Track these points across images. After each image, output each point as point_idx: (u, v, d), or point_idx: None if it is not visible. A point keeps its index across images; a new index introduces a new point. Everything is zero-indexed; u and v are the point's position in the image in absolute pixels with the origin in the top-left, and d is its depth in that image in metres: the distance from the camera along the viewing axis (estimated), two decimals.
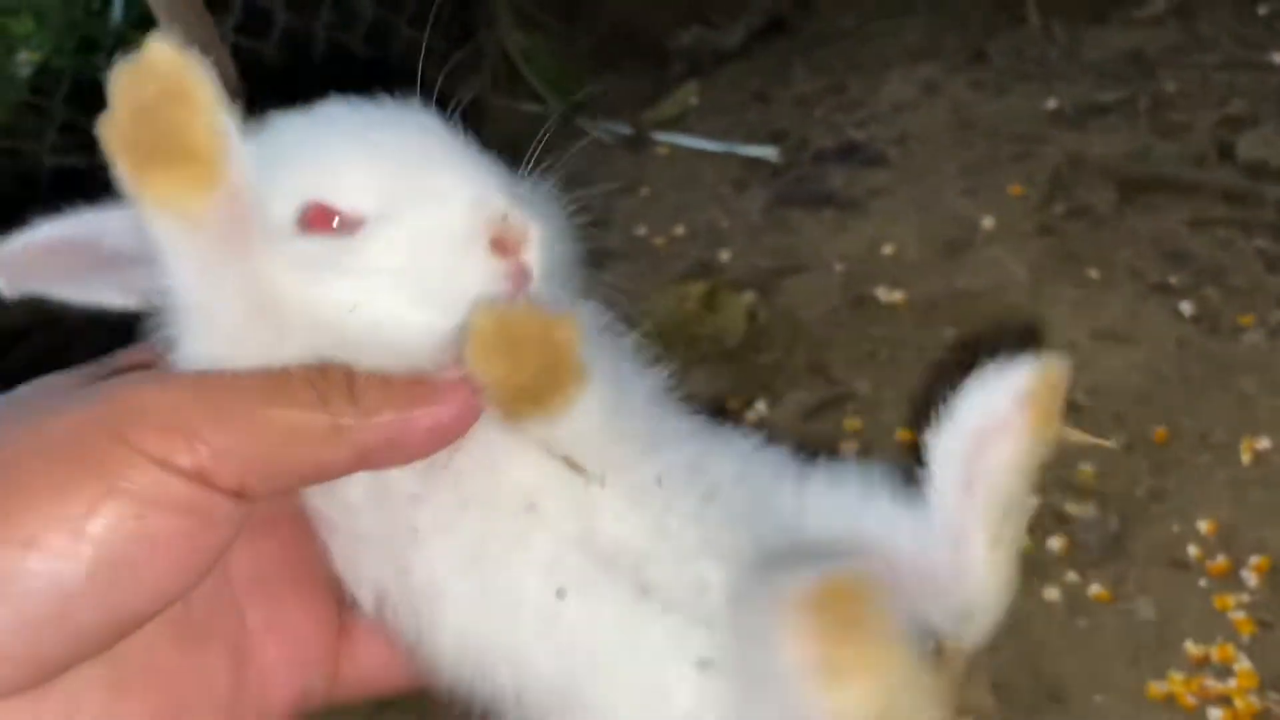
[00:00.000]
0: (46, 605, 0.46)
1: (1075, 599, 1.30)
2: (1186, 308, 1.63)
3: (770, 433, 1.67)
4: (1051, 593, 1.31)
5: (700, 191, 2.14)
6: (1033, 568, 1.34)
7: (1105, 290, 1.69)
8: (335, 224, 0.53)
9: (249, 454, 0.49)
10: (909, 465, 1.34)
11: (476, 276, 0.53)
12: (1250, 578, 1.27)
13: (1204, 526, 1.33)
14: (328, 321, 0.52)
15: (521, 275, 0.54)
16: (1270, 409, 1.46)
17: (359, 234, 0.53)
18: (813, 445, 1.66)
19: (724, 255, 1.92)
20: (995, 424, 0.61)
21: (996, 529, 0.61)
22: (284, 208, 0.53)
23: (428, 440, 0.53)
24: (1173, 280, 1.69)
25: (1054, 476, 1.44)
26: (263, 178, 0.53)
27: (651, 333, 1.96)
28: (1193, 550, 1.31)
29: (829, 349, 1.69)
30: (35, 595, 0.46)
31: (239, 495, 0.49)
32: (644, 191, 2.19)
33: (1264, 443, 1.41)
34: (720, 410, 1.63)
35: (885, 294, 1.76)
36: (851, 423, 1.56)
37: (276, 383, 0.50)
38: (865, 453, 1.52)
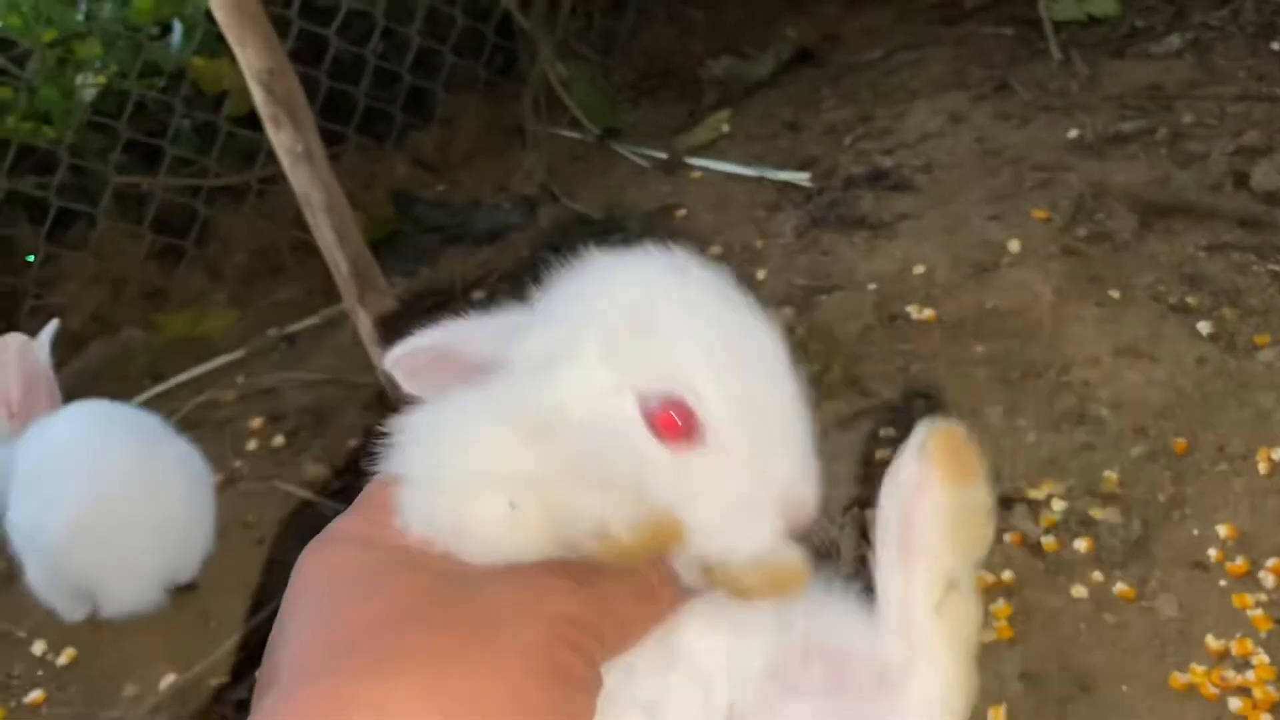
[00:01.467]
0: None
1: (1102, 597, 1.37)
2: (1204, 327, 1.71)
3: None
4: (1079, 590, 1.38)
5: (735, 213, 2.24)
6: (1060, 567, 1.42)
7: (1126, 309, 1.78)
8: (684, 428, 0.58)
9: (622, 645, 0.61)
10: None
11: (764, 538, 0.61)
12: (1268, 578, 1.34)
13: (1223, 531, 1.41)
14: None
15: (797, 531, 0.62)
16: None
17: (698, 450, 0.58)
18: (848, 453, 1.75)
19: (760, 274, 2.01)
20: (910, 492, 0.64)
21: (939, 597, 0.63)
22: (628, 392, 0.58)
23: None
24: (1191, 301, 1.77)
25: (1080, 484, 1.52)
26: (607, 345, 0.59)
27: None
28: (1212, 553, 1.39)
29: (863, 363, 1.78)
30: None
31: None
32: (680, 213, 2.28)
33: (1279, 453, 1.49)
34: None
35: (916, 312, 1.84)
36: (885, 431, 1.65)
37: (638, 586, 0.61)
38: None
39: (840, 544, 1.51)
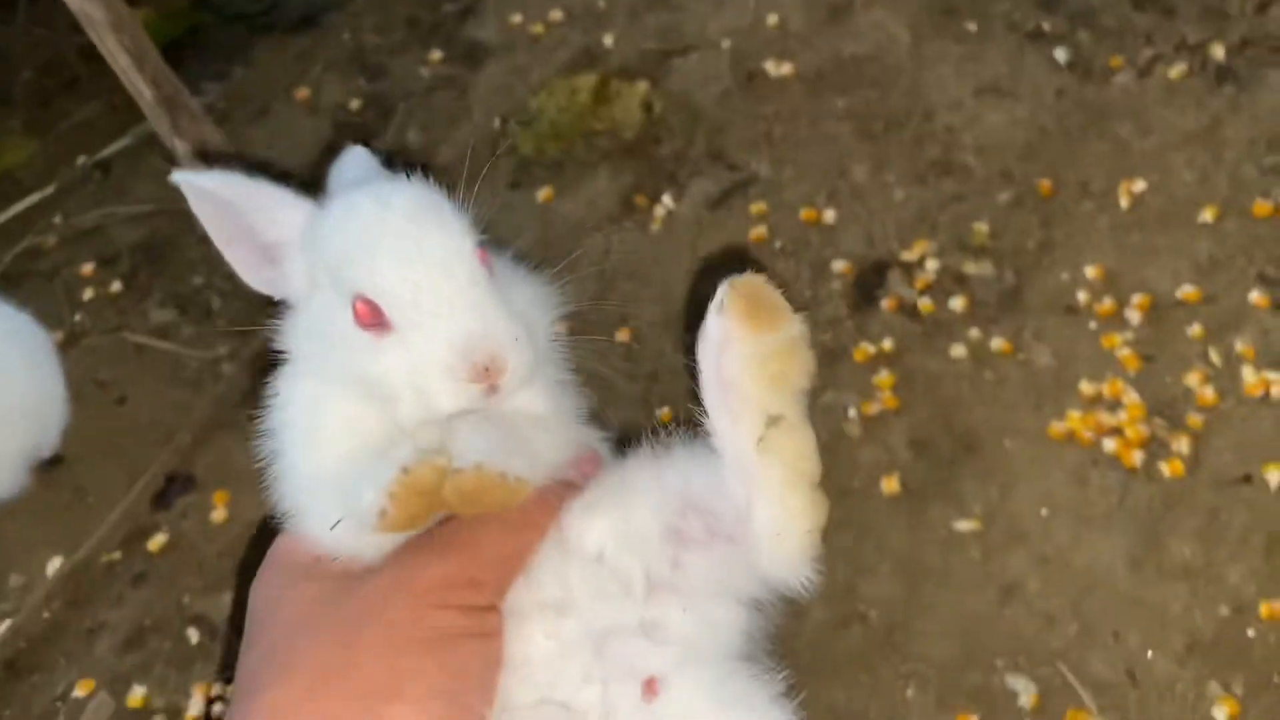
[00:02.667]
0: None
1: (980, 354, 1.41)
2: (1061, 54, 1.68)
3: (678, 227, 1.69)
4: (958, 350, 1.41)
5: None
6: (939, 328, 1.45)
7: (984, 44, 1.73)
8: (373, 320, 0.71)
9: (511, 576, 0.68)
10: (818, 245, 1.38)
11: (455, 397, 0.70)
12: (1134, 315, 1.39)
13: (1091, 272, 1.44)
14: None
15: (493, 394, 0.70)
16: (1143, 151, 1.55)
17: (385, 339, 0.71)
18: (721, 234, 1.71)
19: (608, 40, 1.88)
20: (717, 348, 0.70)
21: (761, 433, 0.70)
22: (344, 293, 0.72)
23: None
24: (1046, 27, 1.73)
25: (950, 239, 1.52)
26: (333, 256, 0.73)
27: (547, 134, 1.95)
28: (1082, 296, 1.42)
29: (726, 132, 1.71)
30: None
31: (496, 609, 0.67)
32: None
33: (1140, 185, 1.51)
34: (630, 208, 1.65)
35: (774, 68, 1.76)
36: (757, 207, 1.61)
37: (506, 521, 0.68)
38: (773, 234, 1.58)
39: None
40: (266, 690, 0.61)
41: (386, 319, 0.71)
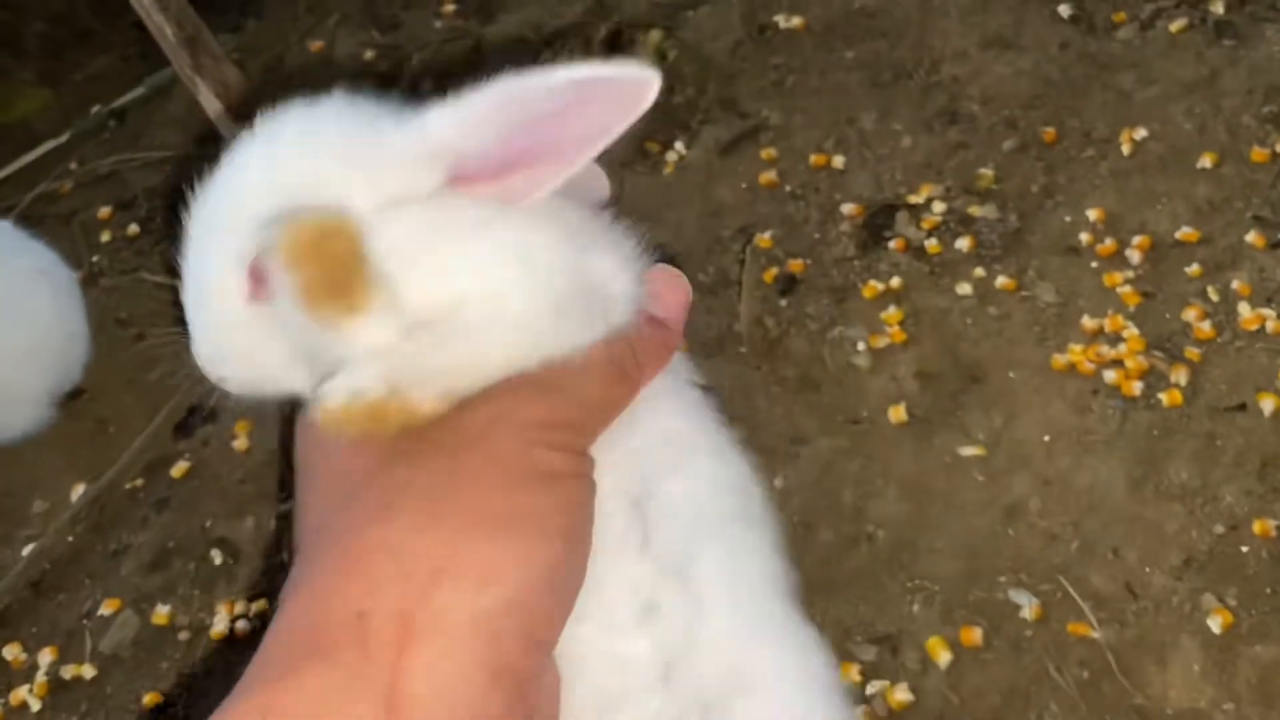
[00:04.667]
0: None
1: (985, 291, 1.45)
2: (1065, 9, 1.72)
3: (690, 171, 1.73)
4: (964, 288, 1.45)
5: None
6: (945, 267, 1.49)
7: None
8: (258, 285, 0.61)
9: (604, 425, 0.63)
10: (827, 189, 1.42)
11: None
12: (1134, 255, 1.43)
13: (1092, 215, 1.48)
14: None
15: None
16: (1144, 101, 1.59)
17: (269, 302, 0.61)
18: (733, 179, 1.75)
19: None
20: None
21: None
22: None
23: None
24: None
25: (957, 183, 1.56)
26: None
27: None
28: (1084, 237, 1.46)
29: (737, 81, 1.74)
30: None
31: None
32: None
33: (1141, 133, 1.55)
34: (642, 153, 1.69)
35: (785, 20, 1.80)
36: (767, 153, 1.64)
37: (607, 372, 0.63)
38: (783, 179, 1.61)
39: (740, 272, 1.54)
40: (371, 525, 0.56)
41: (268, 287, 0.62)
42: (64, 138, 2.09)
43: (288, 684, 0.52)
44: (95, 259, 1.84)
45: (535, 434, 0.59)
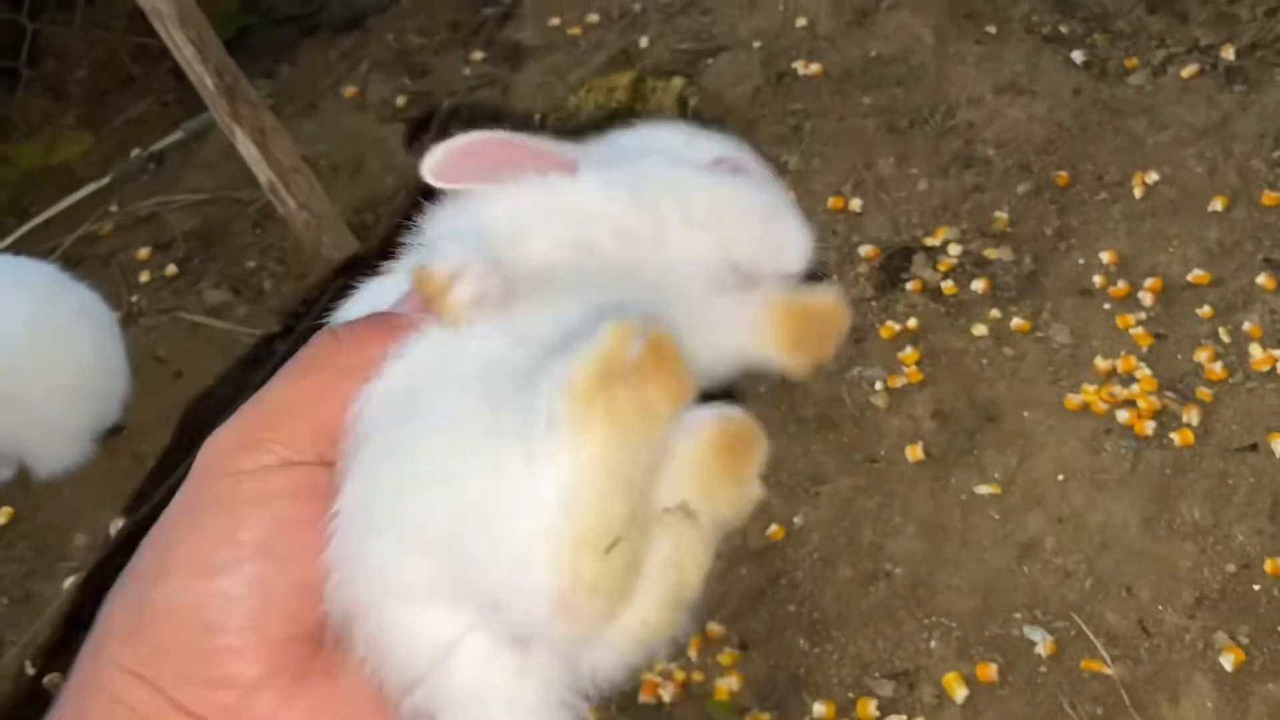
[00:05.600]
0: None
1: (1000, 332, 1.48)
2: (1078, 56, 1.76)
3: None
4: (979, 329, 1.49)
5: None
6: (961, 309, 1.52)
7: (1004, 44, 1.81)
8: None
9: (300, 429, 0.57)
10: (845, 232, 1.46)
11: None
12: (1146, 298, 1.46)
13: (1105, 257, 1.51)
14: None
15: None
16: (1156, 145, 1.63)
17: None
18: None
19: (643, 41, 1.97)
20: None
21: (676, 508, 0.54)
22: None
23: None
24: (1064, 30, 1.81)
25: (973, 226, 1.60)
26: None
27: (586, 129, 2.05)
28: (1097, 279, 1.49)
29: (757, 127, 1.79)
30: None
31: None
32: None
33: (1152, 176, 1.58)
34: None
35: (803, 67, 1.85)
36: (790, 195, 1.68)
37: (291, 371, 0.57)
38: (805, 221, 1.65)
39: None
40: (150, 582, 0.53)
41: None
42: (105, 181, 2.16)
43: None
44: (134, 299, 1.90)
45: (225, 465, 0.55)
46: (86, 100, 2.36)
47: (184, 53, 1.70)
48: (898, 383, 1.46)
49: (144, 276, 1.93)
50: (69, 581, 1.53)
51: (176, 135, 2.19)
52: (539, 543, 0.47)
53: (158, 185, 2.12)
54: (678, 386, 0.51)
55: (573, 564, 0.47)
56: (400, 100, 2.07)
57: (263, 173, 1.82)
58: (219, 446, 0.55)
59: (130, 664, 0.51)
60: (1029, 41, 1.81)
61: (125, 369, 1.71)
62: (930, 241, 1.59)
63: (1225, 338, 1.41)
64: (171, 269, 1.93)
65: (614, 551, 0.48)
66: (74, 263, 1.94)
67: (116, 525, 1.58)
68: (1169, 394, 1.37)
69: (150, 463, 1.65)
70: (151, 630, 0.51)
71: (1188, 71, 1.69)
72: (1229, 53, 1.70)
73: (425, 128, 1.97)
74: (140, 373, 1.75)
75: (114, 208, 2.09)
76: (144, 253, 1.97)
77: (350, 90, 2.12)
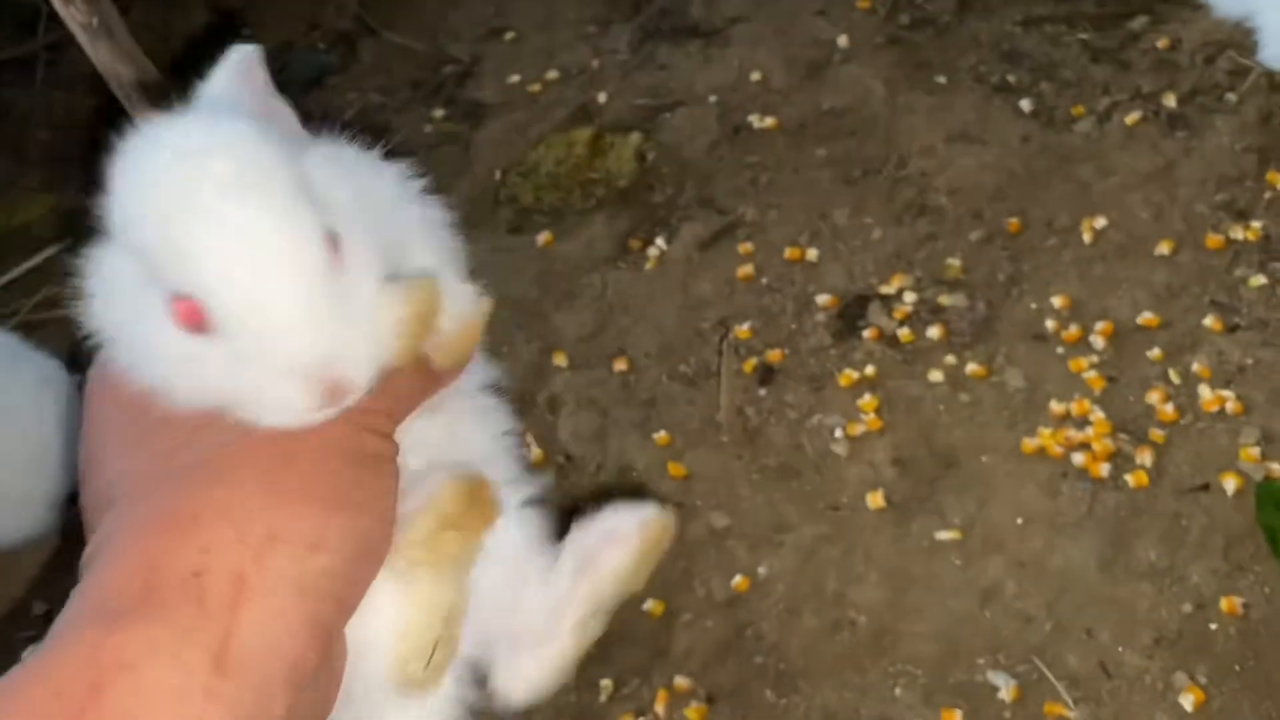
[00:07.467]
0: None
1: (956, 378, 1.50)
2: (1026, 105, 1.80)
3: (670, 267, 1.79)
4: (935, 375, 1.51)
5: (565, 32, 2.19)
6: (917, 355, 1.54)
7: (954, 95, 1.85)
8: (194, 322, 0.62)
9: (409, 413, 0.71)
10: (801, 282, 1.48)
11: (289, 416, 0.63)
12: (1098, 341, 1.49)
13: (1057, 302, 1.54)
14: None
15: (337, 399, 0.64)
16: (1103, 191, 1.66)
17: (208, 339, 0.62)
18: (713, 274, 1.81)
19: (601, 97, 2.00)
20: (620, 535, 0.81)
21: (584, 619, 0.81)
22: (151, 279, 0.63)
23: None
24: (1011, 79, 1.85)
25: (927, 273, 1.62)
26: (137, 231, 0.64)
27: (545, 184, 2.08)
28: (1049, 324, 1.52)
29: (714, 180, 1.82)
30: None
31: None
32: (509, 36, 2.22)
33: (1101, 222, 1.62)
34: (624, 250, 1.76)
35: (758, 121, 1.88)
36: (744, 248, 1.71)
37: (419, 374, 0.72)
38: (760, 272, 1.68)
39: (720, 364, 1.59)
40: (207, 488, 0.59)
41: (210, 321, 0.61)
42: (66, 243, 2.15)
43: (123, 630, 0.56)
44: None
45: (359, 419, 0.65)
46: (47, 162, 2.36)
47: (144, 115, 1.70)
48: (857, 430, 1.48)
49: None
50: (28, 652, 1.51)
51: None
52: (387, 653, 0.69)
53: None
54: (492, 518, 0.72)
55: (403, 669, 0.69)
56: None
57: None
58: (358, 414, 0.65)
59: None
60: (978, 91, 1.85)
61: None
62: (886, 289, 1.61)
63: (1175, 379, 1.44)
64: None
65: (435, 653, 0.70)
66: (35, 327, 1.93)
67: None
68: (1123, 436, 1.40)
69: None
70: None
71: (1131, 118, 1.73)
72: (1170, 99, 1.74)
73: None
74: None
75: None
76: None
77: None
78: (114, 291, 0.67)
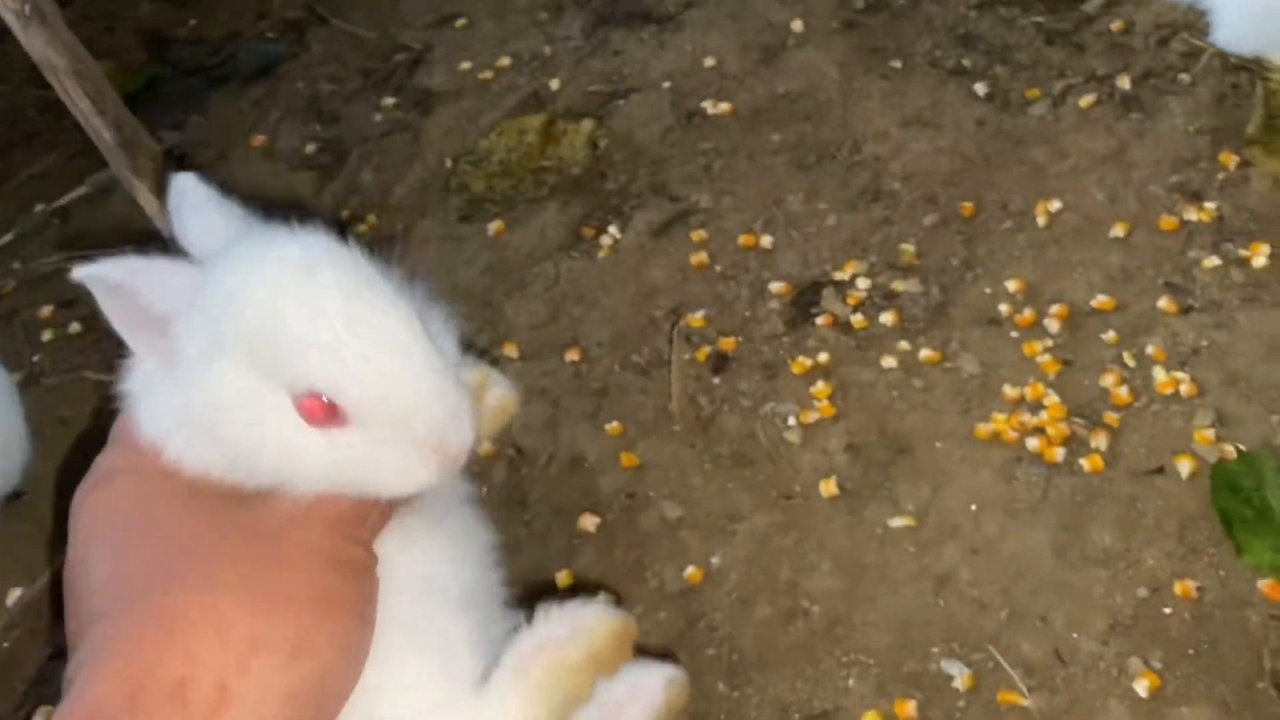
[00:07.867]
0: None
1: (909, 364, 1.48)
2: (980, 88, 1.79)
3: (623, 255, 1.76)
4: (889, 361, 1.49)
5: (517, 18, 2.15)
6: (871, 342, 1.52)
7: (908, 79, 1.84)
8: (327, 417, 0.68)
9: (386, 522, 0.74)
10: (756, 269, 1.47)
11: (421, 479, 0.71)
12: (1052, 325, 1.47)
13: (1011, 286, 1.52)
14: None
15: (455, 464, 0.73)
16: (1058, 174, 1.65)
17: (339, 432, 0.69)
18: (665, 262, 1.78)
19: (554, 84, 1.97)
20: (647, 697, 0.85)
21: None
22: (277, 384, 0.69)
23: None
24: (966, 63, 1.84)
25: (881, 259, 1.61)
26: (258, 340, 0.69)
27: (497, 172, 2.05)
28: (1004, 308, 1.50)
29: (668, 167, 1.79)
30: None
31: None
32: (460, 23, 2.18)
33: (1055, 205, 1.60)
34: (577, 238, 1.73)
35: (712, 106, 1.85)
36: (698, 235, 1.69)
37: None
38: (714, 260, 1.65)
39: (670, 353, 1.57)
40: (192, 594, 0.62)
41: (344, 414, 0.69)
42: (8, 237, 2.10)
43: None
44: (36, 358, 1.85)
45: (341, 528, 0.68)
46: None
47: (79, 104, 1.66)
48: (810, 418, 1.45)
49: (47, 335, 1.88)
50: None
51: (82, 189, 2.15)
52: None
53: (63, 240, 2.07)
54: (628, 661, 0.81)
55: None
56: (310, 148, 2.04)
57: (165, 226, 1.78)
58: (336, 508, 0.72)
59: None
60: (933, 75, 1.83)
61: (25, 433, 1.66)
62: (839, 275, 1.59)
63: (1130, 362, 1.42)
64: (75, 327, 1.87)
65: None
66: None
67: (16, 594, 1.52)
68: (1077, 420, 1.38)
69: (52, 529, 1.60)
70: None
71: (1085, 101, 1.72)
72: (1124, 81, 1.73)
73: (333, 175, 1.95)
74: (42, 435, 1.69)
75: (16, 265, 2.03)
76: (47, 311, 1.91)
77: (259, 139, 2.09)
78: (212, 400, 0.71)
